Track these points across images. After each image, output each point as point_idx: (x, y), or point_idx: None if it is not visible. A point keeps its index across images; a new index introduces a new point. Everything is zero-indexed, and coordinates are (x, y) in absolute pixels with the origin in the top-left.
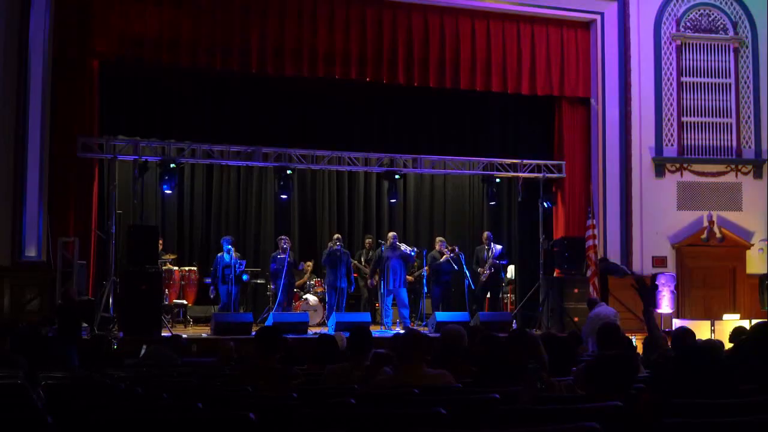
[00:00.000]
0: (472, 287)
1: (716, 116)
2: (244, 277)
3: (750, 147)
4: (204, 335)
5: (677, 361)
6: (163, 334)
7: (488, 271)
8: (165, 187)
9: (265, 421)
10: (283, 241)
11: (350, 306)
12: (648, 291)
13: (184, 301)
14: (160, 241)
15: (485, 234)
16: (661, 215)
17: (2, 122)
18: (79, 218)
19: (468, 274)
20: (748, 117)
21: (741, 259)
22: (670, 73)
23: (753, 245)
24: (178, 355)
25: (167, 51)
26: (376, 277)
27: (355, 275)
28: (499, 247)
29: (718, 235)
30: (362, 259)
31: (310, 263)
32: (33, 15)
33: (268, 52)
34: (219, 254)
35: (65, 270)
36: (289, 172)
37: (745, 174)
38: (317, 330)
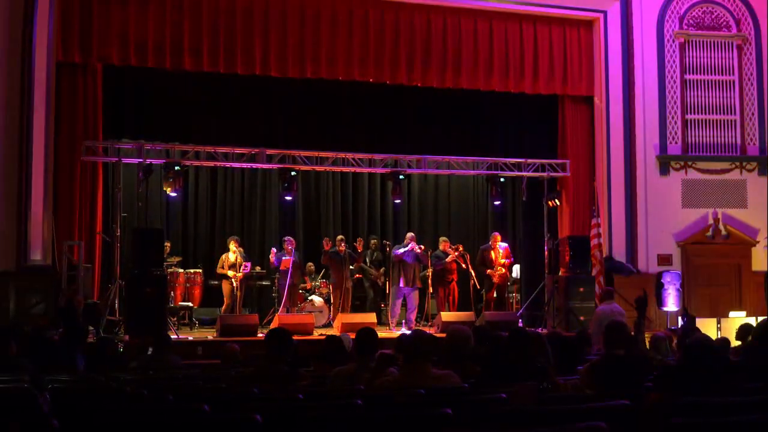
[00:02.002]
0: (478, 287)
1: (720, 113)
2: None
3: (754, 144)
4: (210, 337)
5: (683, 360)
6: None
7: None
8: (169, 189)
9: (272, 423)
10: (287, 242)
11: (355, 307)
12: (645, 307)
13: (190, 304)
14: (168, 244)
15: (497, 235)
16: (666, 213)
17: (7, 127)
18: (84, 222)
19: (473, 274)
20: (752, 114)
21: (746, 256)
22: (674, 71)
23: (758, 242)
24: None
25: (171, 54)
26: (381, 279)
27: (360, 276)
28: (504, 245)
29: (723, 232)
30: (367, 260)
31: (311, 264)
32: (36, 20)
33: (271, 53)
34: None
35: (70, 274)
36: (293, 173)
37: (750, 171)
38: (323, 331)
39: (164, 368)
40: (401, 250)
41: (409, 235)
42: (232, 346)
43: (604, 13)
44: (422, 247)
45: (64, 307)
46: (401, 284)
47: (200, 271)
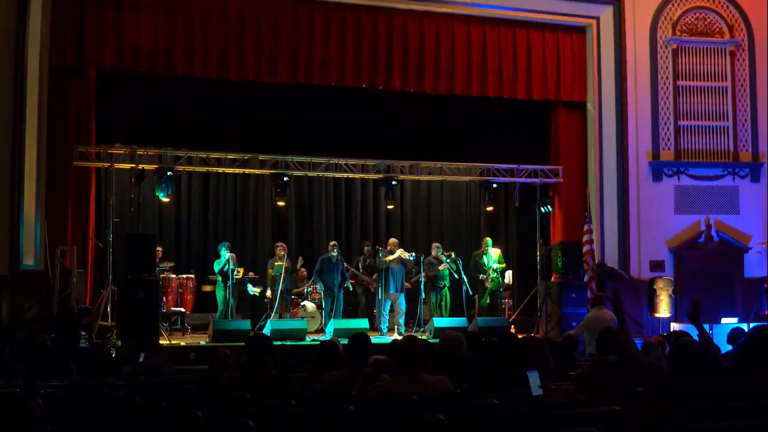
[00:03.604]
0: (470, 293)
1: (713, 120)
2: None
3: (747, 150)
4: (202, 343)
5: (676, 366)
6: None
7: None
8: (162, 195)
9: (264, 428)
10: (280, 247)
11: (348, 312)
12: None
13: (182, 309)
14: (160, 249)
15: (487, 239)
16: (658, 219)
17: None
18: (77, 227)
19: (466, 280)
20: (745, 120)
21: (739, 263)
22: (667, 77)
23: (751, 248)
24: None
25: (163, 59)
26: (374, 285)
27: (353, 282)
28: (496, 250)
29: (715, 238)
30: (360, 266)
31: (304, 270)
32: (29, 25)
33: (263, 59)
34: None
35: (63, 279)
36: (285, 178)
37: (743, 177)
38: (315, 336)
39: (157, 373)
40: (389, 258)
41: (394, 241)
42: (223, 351)
43: (597, 19)
44: (411, 252)
45: (59, 309)
46: (390, 291)
47: (193, 276)
